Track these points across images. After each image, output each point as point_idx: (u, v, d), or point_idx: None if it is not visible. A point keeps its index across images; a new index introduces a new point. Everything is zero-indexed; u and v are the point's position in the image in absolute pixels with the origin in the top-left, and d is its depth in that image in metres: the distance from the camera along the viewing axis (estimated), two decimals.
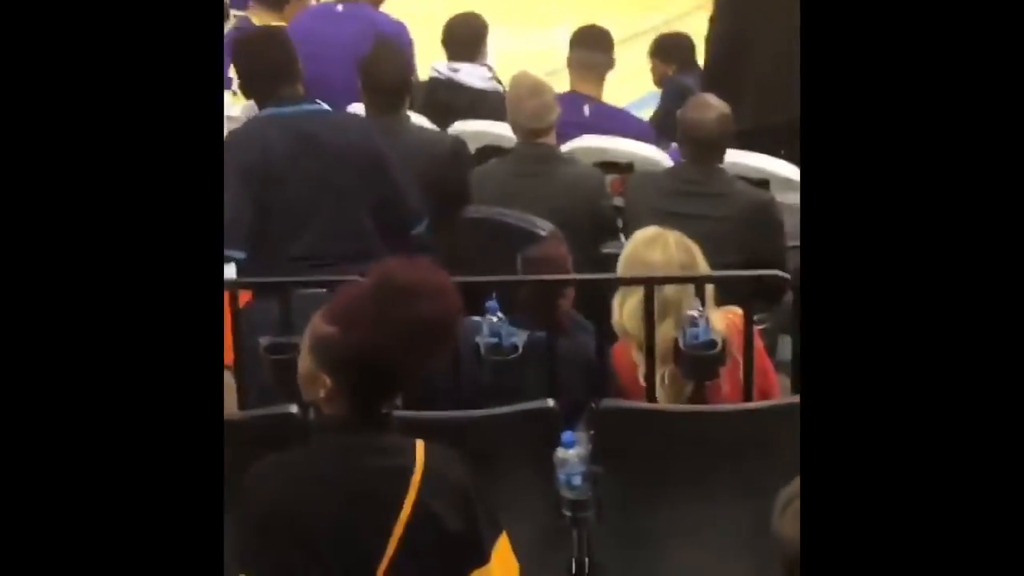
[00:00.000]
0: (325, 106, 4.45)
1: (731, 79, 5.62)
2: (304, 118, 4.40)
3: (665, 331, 3.67)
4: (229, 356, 4.27)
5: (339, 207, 4.33)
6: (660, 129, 5.99)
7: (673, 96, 6.35)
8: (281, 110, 4.39)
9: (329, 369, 2.50)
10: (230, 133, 4.45)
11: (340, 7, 6.31)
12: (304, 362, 2.55)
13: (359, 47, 5.76)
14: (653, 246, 3.77)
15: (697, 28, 9.61)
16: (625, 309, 3.72)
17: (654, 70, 6.71)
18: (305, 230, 4.31)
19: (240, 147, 4.35)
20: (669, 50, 6.68)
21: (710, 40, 5.85)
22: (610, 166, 5.34)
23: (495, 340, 3.62)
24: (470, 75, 5.80)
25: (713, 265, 3.95)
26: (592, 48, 5.71)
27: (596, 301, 3.93)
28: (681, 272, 3.73)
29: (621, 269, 3.82)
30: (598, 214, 4.90)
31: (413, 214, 4.52)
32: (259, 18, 6.43)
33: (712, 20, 5.83)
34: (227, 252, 4.25)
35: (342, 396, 2.52)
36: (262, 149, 4.32)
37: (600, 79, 5.73)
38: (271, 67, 4.43)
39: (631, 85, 8.13)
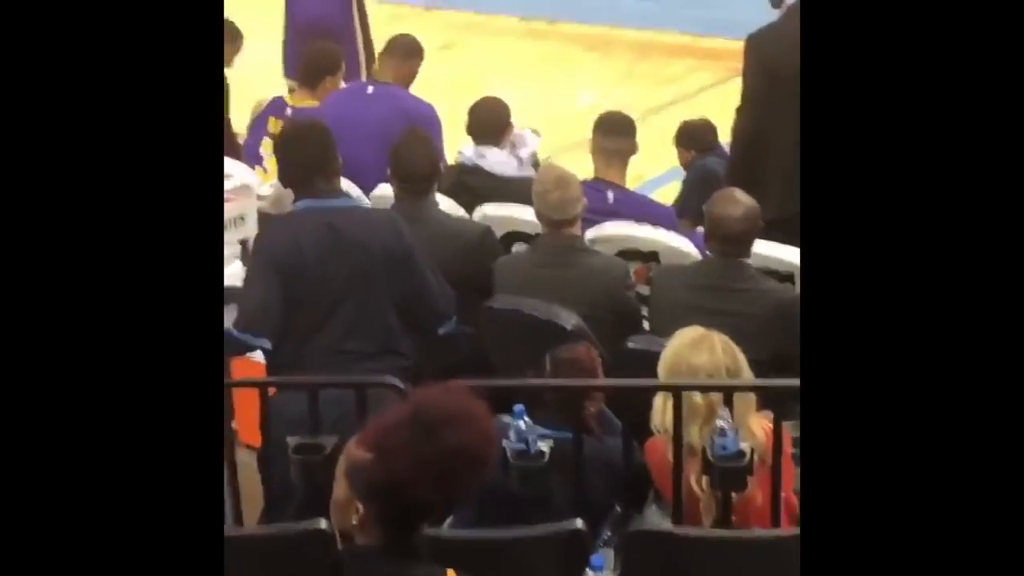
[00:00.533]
0: (357, 200, 4.47)
1: (756, 169, 5.65)
2: (337, 213, 4.45)
3: (705, 435, 3.66)
4: (256, 438, 4.30)
5: (365, 303, 4.37)
6: (682, 214, 6.01)
7: (695, 181, 6.37)
8: (316, 203, 4.44)
9: (363, 496, 2.50)
10: (267, 227, 4.51)
11: (370, 88, 6.40)
12: (339, 487, 2.55)
13: (389, 128, 5.87)
14: (699, 348, 3.76)
15: (712, 103, 9.70)
16: (668, 410, 3.71)
17: (679, 156, 6.75)
18: (330, 323, 4.34)
19: (274, 240, 4.47)
20: (690, 137, 6.73)
21: (735, 131, 5.86)
22: (634, 254, 5.34)
23: (522, 446, 3.61)
24: (496, 161, 5.82)
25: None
26: (615, 134, 5.72)
27: (627, 400, 3.93)
28: (728, 376, 3.72)
29: (665, 370, 3.81)
30: (622, 306, 4.90)
31: (441, 315, 4.57)
32: (293, 98, 6.49)
33: (738, 111, 5.84)
34: (254, 340, 4.29)
35: (375, 524, 2.51)
36: (295, 244, 4.37)
37: (623, 165, 5.73)
38: (310, 162, 4.49)
39: (648, 162, 8.17)
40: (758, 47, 5.81)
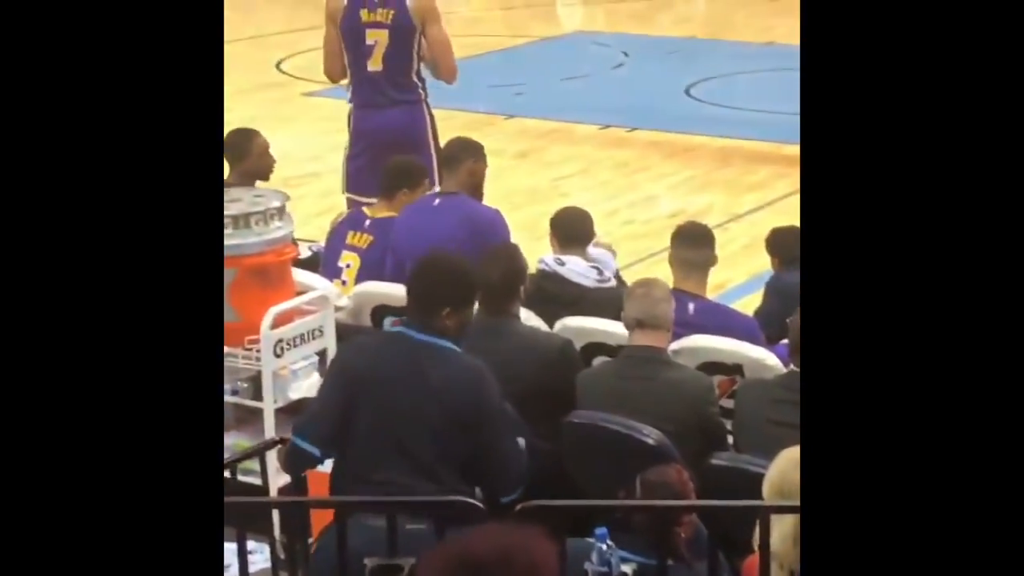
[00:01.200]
0: (451, 343, 4.34)
1: None
2: (427, 350, 4.26)
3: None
4: None
5: (418, 455, 4.16)
6: (764, 327, 5.92)
7: (775, 295, 6.28)
8: (409, 332, 4.31)
9: None
10: (354, 338, 4.46)
11: (437, 201, 6.33)
12: None
13: (454, 238, 5.86)
14: None
15: (795, 211, 9.60)
16: (777, 532, 3.60)
17: (772, 262, 6.64)
18: (383, 459, 4.16)
19: (355, 355, 4.40)
20: (776, 244, 6.61)
21: None
22: (717, 367, 5.26)
23: (604, 569, 3.53)
24: (576, 269, 5.78)
25: None
26: (693, 245, 5.67)
27: (716, 519, 3.83)
28: None
29: (772, 491, 3.70)
30: (706, 422, 4.81)
31: (509, 484, 4.28)
32: (373, 210, 6.51)
33: None
34: (301, 443, 4.24)
35: None
36: (374, 366, 4.28)
37: (703, 275, 5.68)
38: (417, 292, 4.38)
39: (730, 270, 8.12)
40: None
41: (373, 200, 6.71)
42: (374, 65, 7.28)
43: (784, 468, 3.71)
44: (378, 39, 7.24)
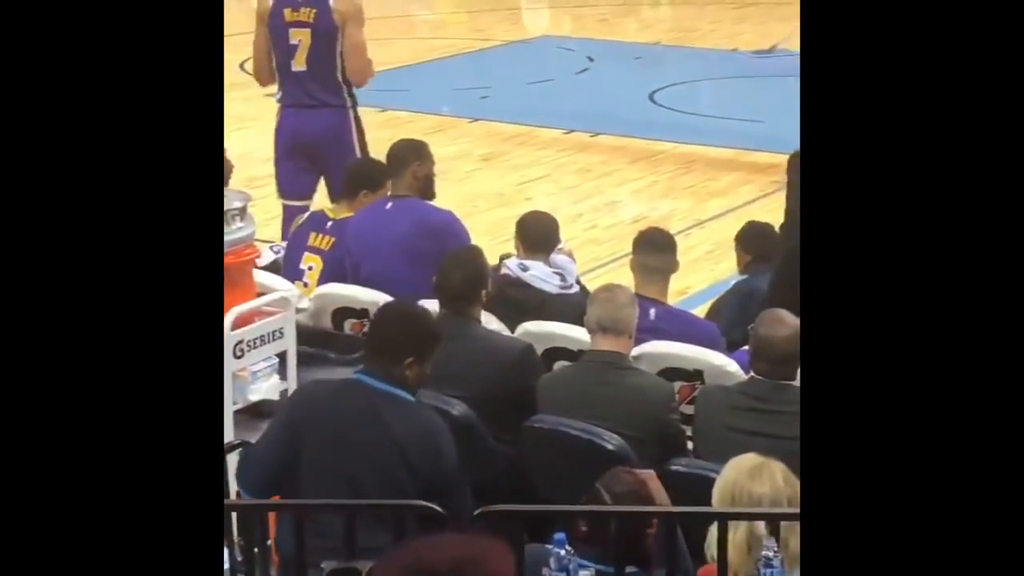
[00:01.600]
0: (410, 394, 4.25)
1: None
2: (386, 400, 4.15)
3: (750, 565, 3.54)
4: None
5: (374, 488, 4.05)
6: (725, 332, 5.94)
7: (740, 298, 6.29)
8: (367, 379, 4.18)
9: None
10: (312, 384, 4.46)
11: (389, 204, 6.26)
12: None
13: (409, 241, 5.94)
14: (759, 477, 3.65)
15: (758, 217, 9.63)
16: (730, 540, 3.59)
17: (738, 258, 6.66)
18: (331, 492, 4.04)
19: (306, 398, 4.31)
20: (753, 238, 6.61)
21: (781, 256, 5.81)
22: (678, 373, 5.26)
23: (563, 575, 3.51)
24: (539, 275, 5.78)
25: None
26: (654, 251, 5.67)
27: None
28: (789, 506, 3.61)
29: (722, 498, 3.71)
30: (666, 428, 4.81)
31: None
32: (335, 211, 6.48)
33: (782, 228, 5.80)
34: (240, 486, 4.18)
35: None
36: (329, 407, 4.17)
37: (664, 281, 5.69)
38: (380, 340, 4.29)
39: (693, 276, 8.14)
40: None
41: (308, 203, 6.72)
42: (298, 65, 7.29)
43: (734, 476, 3.71)
44: (302, 39, 7.28)
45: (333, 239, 6.27)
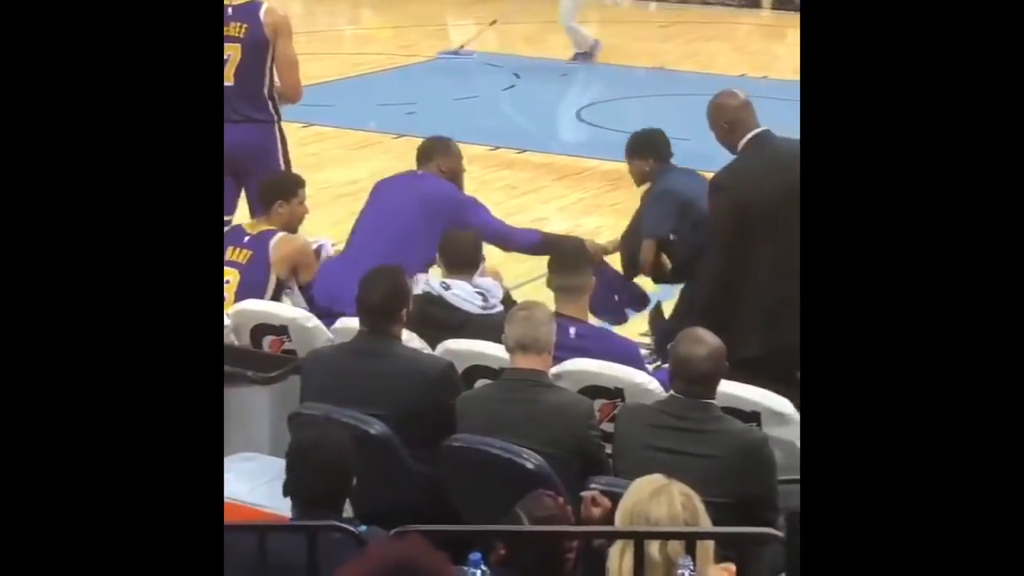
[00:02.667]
0: None
1: (732, 308, 5.64)
2: None
3: None
4: None
5: None
6: (647, 234, 6.47)
7: (657, 196, 6.68)
8: None
9: None
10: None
11: (405, 179, 6.72)
12: None
13: (401, 217, 6.43)
14: (658, 501, 3.62)
15: None
16: (624, 563, 3.57)
17: (635, 170, 6.89)
18: None
19: None
20: (646, 144, 6.82)
21: (706, 271, 5.83)
22: (599, 391, 5.25)
23: None
24: (462, 295, 5.74)
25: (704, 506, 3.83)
26: (567, 271, 5.68)
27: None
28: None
29: (622, 521, 3.68)
30: (585, 446, 4.80)
31: None
32: (251, 225, 6.41)
33: (710, 247, 5.82)
34: None
35: None
36: None
37: (583, 299, 5.69)
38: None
39: None
40: (727, 184, 5.81)
41: (230, 218, 6.66)
42: (227, 80, 7.17)
43: (635, 498, 3.68)
44: (232, 53, 7.18)
45: (251, 252, 6.21)
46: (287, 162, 7.42)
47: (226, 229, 6.62)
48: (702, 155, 10.44)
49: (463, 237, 6.03)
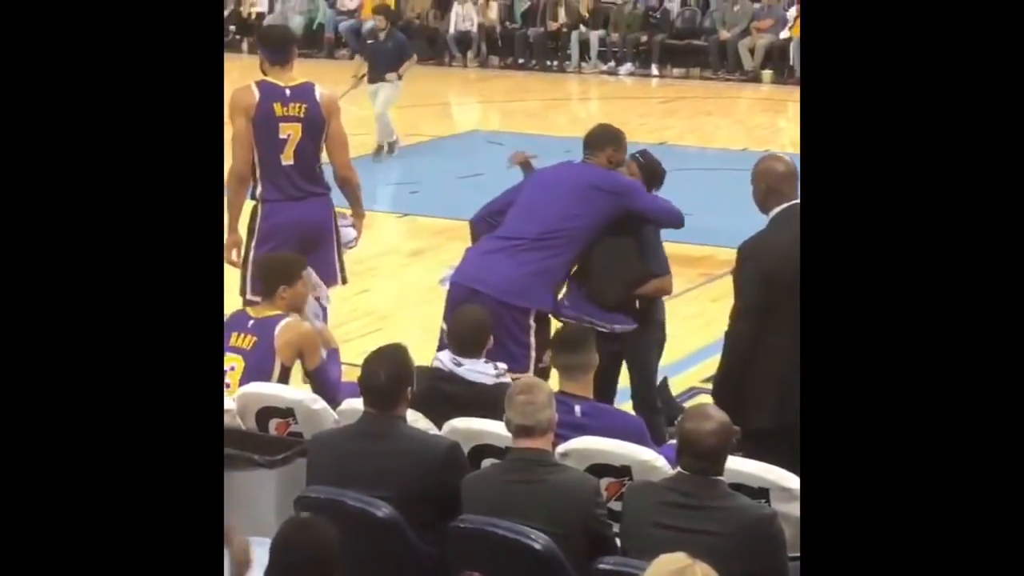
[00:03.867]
0: None
1: (751, 376, 5.65)
2: None
3: None
4: None
5: None
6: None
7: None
8: None
9: None
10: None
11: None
12: None
13: (567, 186, 6.82)
14: None
15: (685, 309, 9.68)
16: None
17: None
18: None
19: None
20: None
21: (731, 336, 5.83)
22: (605, 469, 5.22)
23: None
24: (474, 368, 5.73)
25: None
26: (569, 350, 5.69)
27: None
28: None
29: None
30: (593, 526, 4.76)
31: None
32: (256, 310, 6.40)
33: (734, 316, 5.83)
34: None
35: None
36: None
37: (587, 377, 5.69)
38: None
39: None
40: (754, 253, 5.82)
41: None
42: (287, 159, 7.34)
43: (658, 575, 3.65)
44: (291, 132, 7.34)
45: (255, 338, 6.19)
46: (337, 230, 7.58)
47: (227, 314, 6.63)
48: (707, 230, 10.50)
49: (471, 319, 5.99)
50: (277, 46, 7.53)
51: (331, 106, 7.49)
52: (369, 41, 15.79)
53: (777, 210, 5.79)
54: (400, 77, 15.13)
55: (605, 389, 6.62)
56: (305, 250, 7.16)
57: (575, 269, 6.86)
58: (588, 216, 6.66)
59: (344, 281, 7.63)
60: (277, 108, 7.32)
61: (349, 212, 7.78)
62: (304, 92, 7.40)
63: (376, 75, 15.06)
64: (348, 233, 7.68)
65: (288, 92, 7.35)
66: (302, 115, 7.36)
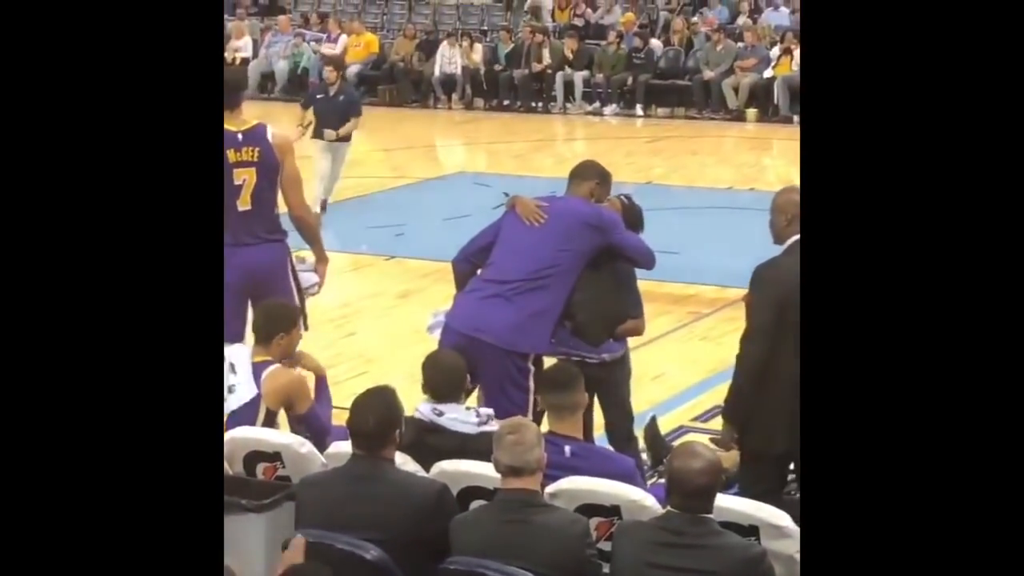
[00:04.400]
0: None
1: (763, 400, 5.68)
2: None
3: None
4: None
5: None
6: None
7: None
8: None
9: None
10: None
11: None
12: None
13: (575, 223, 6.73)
14: None
15: (673, 349, 9.68)
16: None
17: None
18: None
19: None
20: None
21: (742, 360, 5.84)
22: (595, 508, 5.21)
23: None
24: (456, 417, 5.71)
25: None
26: (557, 389, 5.68)
27: None
28: None
29: None
30: (583, 566, 4.75)
31: None
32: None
33: (745, 340, 5.85)
34: None
35: None
36: None
37: (576, 417, 5.68)
38: None
39: None
40: (767, 279, 5.84)
41: (234, 345, 6.61)
42: (243, 204, 7.25)
43: None
44: (246, 177, 7.24)
45: None
46: (295, 277, 7.45)
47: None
48: (693, 268, 10.52)
49: (445, 363, 5.96)
50: (227, 90, 7.01)
51: (284, 146, 7.36)
52: (318, 96, 14.51)
53: (793, 239, 5.82)
54: (339, 138, 14.01)
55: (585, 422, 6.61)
56: (258, 296, 7.04)
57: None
58: (576, 250, 6.61)
59: (305, 328, 7.07)
60: (230, 154, 7.13)
61: (310, 256, 7.67)
62: (256, 135, 7.25)
63: (319, 131, 14.04)
64: (308, 278, 7.52)
65: (240, 137, 7.20)
66: (256, 159, 7.21)
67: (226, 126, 7.11)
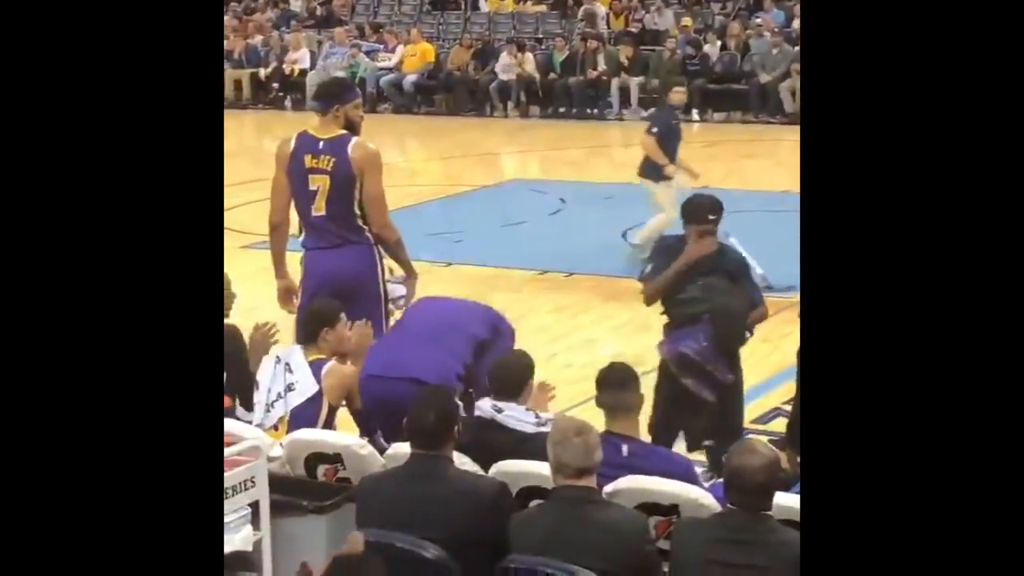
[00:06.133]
0: None
1: None
2: None
3: None
4: None
5: None
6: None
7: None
8: None
9: None
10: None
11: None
12: None
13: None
14: None
15: None
16: None
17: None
18: None
19: None
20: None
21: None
22: (654, 507, 5.21)
23: None
24: (515, 415, 5.74)
25: None
26: (614, 389, 5.67)
27: None
28: None
29: None
30: (642, 563, 4.76)
31: None
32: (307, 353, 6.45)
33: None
34: None
35: None
36: None
37: (633, 417, 5.67)
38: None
39: None
40: None
41: (287, 347, 6.69)
42: (317, 210, 7.33)
43: None
44: (320, 184, 7.30)
45: None
46: (383, 279, 7.47)
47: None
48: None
49: (513, 358, 6.03)
50: (316, 97, 7.66)
51: (364, 161, 7.30)
52: None
53: None
54: None
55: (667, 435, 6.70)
56: (343, 300, 7.06)
57: (690, 314, 6.95)
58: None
59: None
60: (308, 160, 7.28)
61: (399, 269, 7.68)
62: (337, 145, 7.28)
63: None
64: (396, 289, 7.56)
65: (321, 144, 7.29)
66: (330, 168, 7.26)
67: (311, 132, 7.34)
